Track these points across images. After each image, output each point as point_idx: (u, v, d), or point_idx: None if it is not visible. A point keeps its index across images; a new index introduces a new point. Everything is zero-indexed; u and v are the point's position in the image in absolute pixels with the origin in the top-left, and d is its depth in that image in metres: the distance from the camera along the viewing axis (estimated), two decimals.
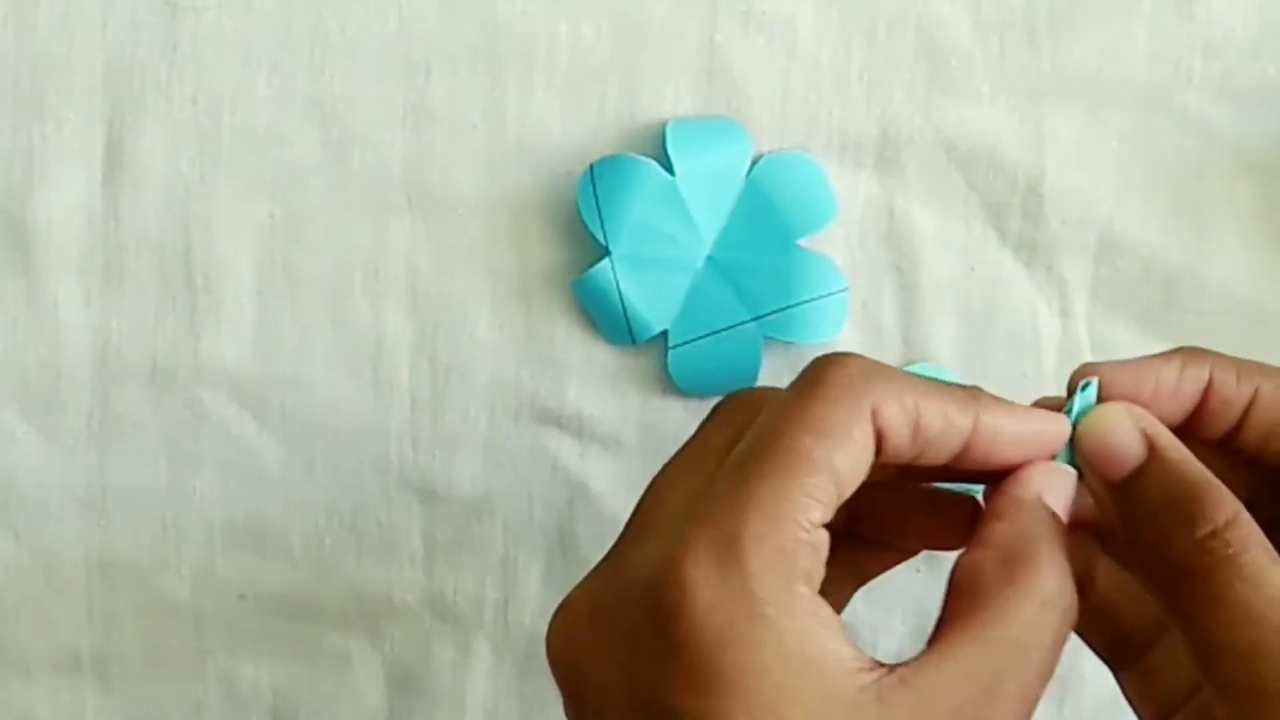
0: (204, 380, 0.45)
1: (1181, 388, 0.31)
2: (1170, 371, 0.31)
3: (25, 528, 0.45)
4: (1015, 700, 0.28)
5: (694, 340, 0.44)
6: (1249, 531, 0.28)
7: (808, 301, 0.44)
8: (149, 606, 0.46)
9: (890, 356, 0.45)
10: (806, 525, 0.27)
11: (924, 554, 0.46)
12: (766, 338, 0.44)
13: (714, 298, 0.44)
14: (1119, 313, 0.45)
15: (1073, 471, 0.31)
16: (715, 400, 0.33)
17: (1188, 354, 0.31)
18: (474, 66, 0.43)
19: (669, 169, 0.43)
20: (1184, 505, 0.29)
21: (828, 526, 0.28)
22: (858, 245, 0.44)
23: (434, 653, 0.46)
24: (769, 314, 0.44)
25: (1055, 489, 0.30)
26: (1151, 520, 0.29)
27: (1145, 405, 0.31)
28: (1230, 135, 0.44)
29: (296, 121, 0.44)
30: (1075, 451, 0.31)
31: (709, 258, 0.44)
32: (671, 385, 0.44)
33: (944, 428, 0.29)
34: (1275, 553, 0.28)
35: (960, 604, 0.29)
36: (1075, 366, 0.44)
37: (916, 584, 0.46)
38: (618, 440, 0.45)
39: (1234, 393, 0.31)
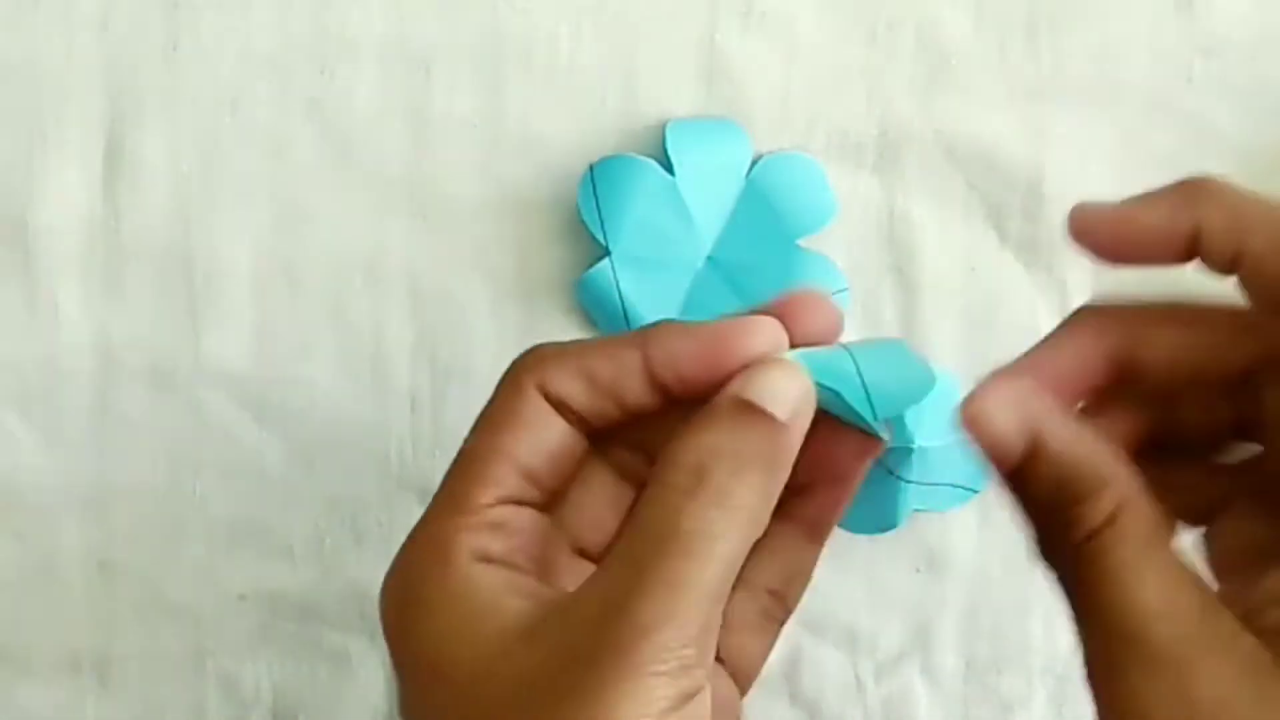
0: (204, 380, 0.45)
1: (1086, 367, 0.30)
2: (1074, 354, 0.30)
3: (25, 528, 0.45)
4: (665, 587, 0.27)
5: None
6: (1123, 529, 0.27)
7: None
8: (149, 606, 0.46)
9: None
10: (472, 509, 0.29)
11: (924, 556, 0.46)
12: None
13: (714, 298, 0.44)
14: None
15: (787, 364, 0.29)
16: None
17: (1087, 320, 0.30)
18: (474, 66, 0.43)
19: (669, 169, 0.43)
20: (1066, 510, 0.28)
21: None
22: (858, 245, 0.44)
23: None
24: None
25: (761, 387, 0.28)
26: (1038, 521, 0.29)
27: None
28: (1230, 135, 0.44)
29: (296, 121, 0.44)
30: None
31: (709, 258, 0.44)
32: None
33: (616, 370, 0.30)
34: (1158, 542, 0.27)
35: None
36: None
37: (916, 584, 0.46)
38: None
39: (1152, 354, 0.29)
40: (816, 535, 0.33)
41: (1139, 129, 0.44)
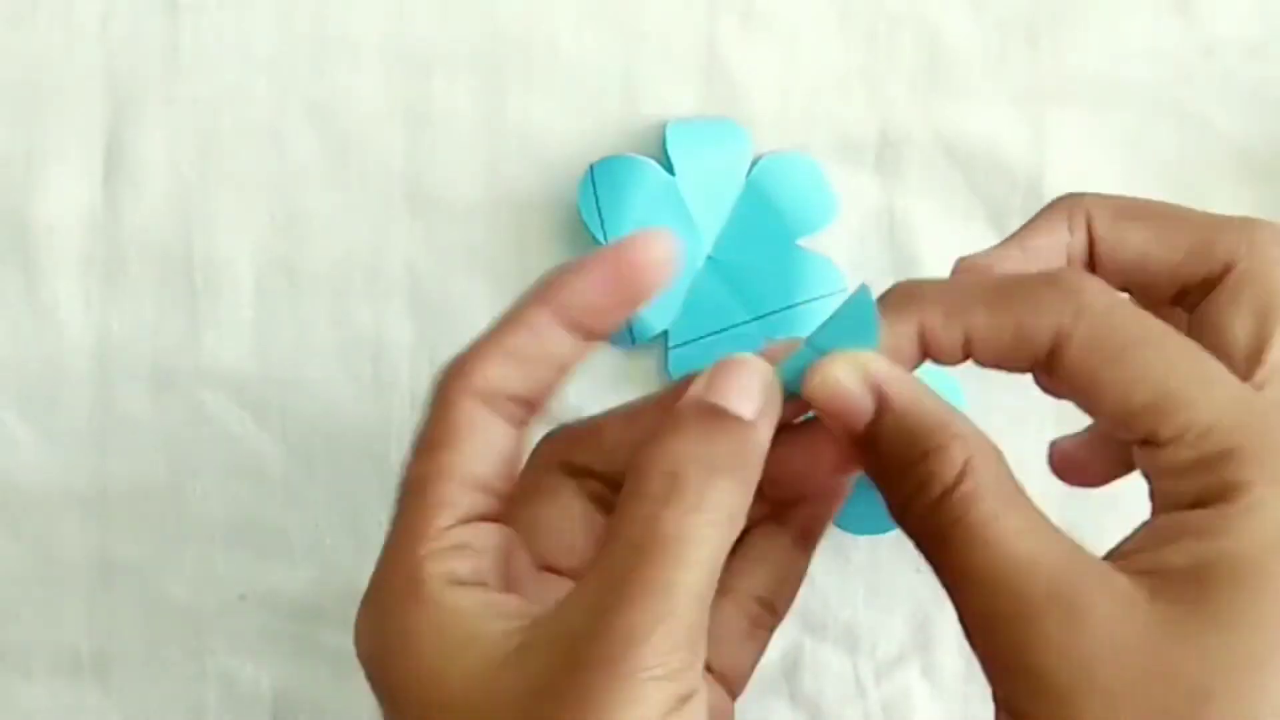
0: (204, 380, 0.45)
1: (898, 347, 0.29)
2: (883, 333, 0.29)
3: (25, 528, 0.45)
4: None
5: (694, 340, 0.44)
6: (979, 482, 0.27)
7: (807, 302, 0.44)
8: (149, 606, 0.46)
9: None
10: (432, 535, 0.29)
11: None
12: (766, 338, 0.44)
13: (714, 298, 0.44)
14: None
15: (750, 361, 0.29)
16: None
17: (896, 303, 0.29)
18: (474, 66, 0.43)
19: (669, 169, 0.43)
20: (917, 466, 0.27)
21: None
22: (858, 245, 0.44)
23: None
24: (769, 314, 0.44)
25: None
26: (893, 485, 0.28)
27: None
28: (1230, 135, 0.44)
29: (296, 121, 0.44)
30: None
31: (709, 258, 0.44)
32: None
33: (533, 335, 0.29)
34: (1014, 492, 0.27)
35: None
36: None
37: (917, 584, 0.46)
38: None
39: (948, 337, 0.29)
40: (805, 543, 0.32)
41: (1139, 129, 0.44)
